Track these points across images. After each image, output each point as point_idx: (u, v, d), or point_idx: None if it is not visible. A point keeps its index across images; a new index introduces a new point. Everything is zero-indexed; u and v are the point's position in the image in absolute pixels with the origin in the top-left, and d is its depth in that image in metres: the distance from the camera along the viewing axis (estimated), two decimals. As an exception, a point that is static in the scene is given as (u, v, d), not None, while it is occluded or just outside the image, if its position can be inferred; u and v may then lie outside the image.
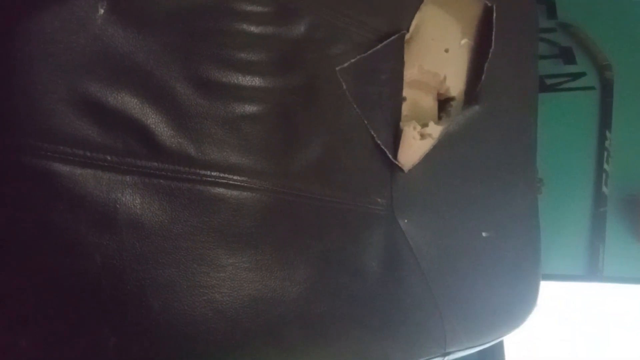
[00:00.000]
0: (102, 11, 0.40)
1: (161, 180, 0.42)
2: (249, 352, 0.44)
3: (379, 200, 0.55)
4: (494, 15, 0.61)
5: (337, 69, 0.51)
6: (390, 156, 0.55)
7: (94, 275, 0.39)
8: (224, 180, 0.44)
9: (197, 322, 0.41)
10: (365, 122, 0.53)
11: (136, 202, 0.40)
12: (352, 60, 0.52)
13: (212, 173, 0.43)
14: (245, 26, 0.45)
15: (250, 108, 0.45)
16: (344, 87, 0.51)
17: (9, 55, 0.38)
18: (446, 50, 0.62)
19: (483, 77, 0.61)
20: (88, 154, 0.39)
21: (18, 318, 0.38)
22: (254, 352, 0.44)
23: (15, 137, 0.37)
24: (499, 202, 0.65)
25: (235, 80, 0.44)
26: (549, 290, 0.80)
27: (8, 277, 0.38)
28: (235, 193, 0.44)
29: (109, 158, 0.40)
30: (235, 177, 0.44)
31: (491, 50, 0.61)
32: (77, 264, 0.39)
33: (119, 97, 0.40)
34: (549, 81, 1.06)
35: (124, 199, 0.40)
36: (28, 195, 0.38)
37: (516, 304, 0.69)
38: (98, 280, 0.39)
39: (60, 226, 0.38)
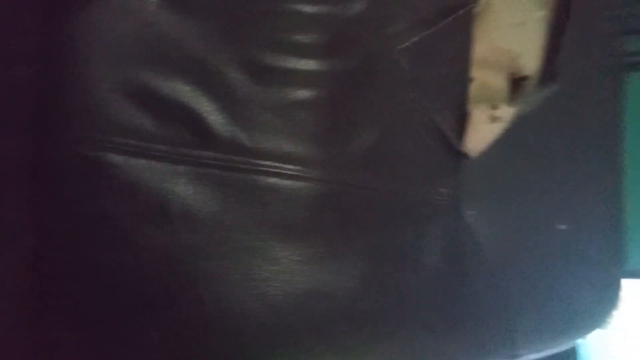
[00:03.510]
0: (154, -3, 0.39)
1: (214, 170, 0.41)
2: (299, 349, 0.43)
3: (442, 190, 0.51)
4: (575, -17, 0.54)
5: (397, 48, 0.47)
6: (455, 142, 0.51)
7: (145, 266, 0.39)
8: (277, 170, 0.42)
9: (248, 316, 0.40)
10: (428, 105, 0.49)
11: (189, 192, 0.40)
12: (414, 39, 0.48)
13: (265, 162, 0.42)
14: (299, 7, 0.43)
15: (303, 93, 0.43)
16: (405, 68, 0.48)
17: (63, 45, 0.38)
18: (520, 25, 0.56)
19: (561, 53, 0.55)
20: (141, 143, 0.39)
21: (67, 311, 0.39)
22: (304, 349, 0.43)
23: (69, 128, 0.38)
24: (578, 192, 0.59)
25: (289, 65, 0.42)
26: (631, 288, 0.73)
27: (60, 269, 0.39)
28: (288, 183, 0.42)
29: (162, 148, 0.40)
30: (288, 167, 0.42)
31: (568, 24, 0.54)
32: (129, 255, 0.39)
33: (172, 85, 0.40)
34: (631, 59, 0.94)
35: (176, 190, 0.40)
36: (82, 186, 0.38)
37: (594, 304, 0.63)
38: (150, 272, 0.39)
39: (114, 217, 0.38)
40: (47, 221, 0.39)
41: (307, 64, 0.43)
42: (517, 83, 0.58)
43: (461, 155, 0.52)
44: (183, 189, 0.40)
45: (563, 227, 0.58)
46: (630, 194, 0.67)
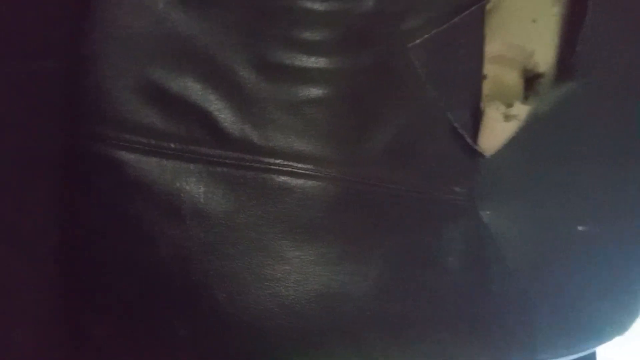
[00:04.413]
0: (164, -5, 0.39)
1: (225, 169, 0.40)
2: (316, 350, 0.42)
3: (457, 189, 0.50)
4: (591, -24, 0.53)
5: (408, 46, 0.46)
6: (469, 140, 0.50)
7: (161, 265, 0.39)
8: (288, 169, 0.41)
9: (263, 316, 0.40)
10: (441, 103, 0.48)
11: (200, 191, 0.40)
12: (426, 36, 0.47)
13: (276, 161, 0.41)
14: (309, 4, 0.42)
15: (315, 91, 0.43)
16: (417, 65, 0.47)
17: (78, 41, 0.38)
18: (534, 21, 0.55)
19: (577, 49, 0.54)
20: (152, 141, 0.39)
21: (96, 305, 0.39)
22: (327, 351, 0.42)
23: (83, 125, 0.38)
24: (600, 192, 0.57)
25: (299, 62, 0.42)
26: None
27: (86, 263, 0.39)
28: (300, 182, 0.42)
29: (172, 146, 0.39)
30: (299, 165, 0.42)
31: (587, 19, 0.53)
32: (145, 253, 0.39)
33: (182, 83, 0.40)
34: None
35: (188, 188, 0.39)
36: (95, 183, 0.38)
37: (618, 309, 0.60)
38: (165, 271, 0.39)
39: (127, 215, 0.38)
40: (71, 216, 0.39)
41: (318, 62, 0.43)
42: (532, 80, 0.57)
43: (476, 154, 0.51)
44: (194, 187, 0.39)
45: (582, 228, 0.56)
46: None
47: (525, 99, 0.56)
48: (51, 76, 0.39)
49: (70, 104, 0.38)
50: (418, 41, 0.47)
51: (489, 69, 0.53)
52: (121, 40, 0.38)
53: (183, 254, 0.39)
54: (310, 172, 0.42)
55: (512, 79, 0.56)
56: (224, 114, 0.41)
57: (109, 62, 0.38)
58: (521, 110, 0.52)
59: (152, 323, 0.39)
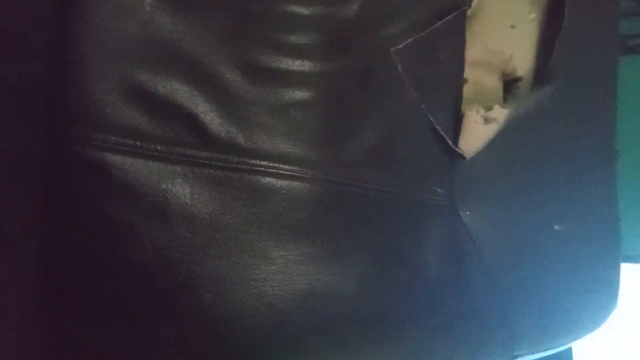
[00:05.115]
0: (150, -2, 0.40)
1: (211, 170, 0.41)
2: (302, 349, 0.42)
3: (438, 190, 0.51)
4: (567, -17, 0.55)
5: (391, 50, 0.47)
6: (450, 142, 0.51)
7: (146, 266, 0.39)
8: (274, 170, 0.42)
9: (249, 316, 0.40)
10: (423, 106, 0.49)
11: (186, 192, 0.40)
12: (409, 40, 0.48)
13: (262, 162, 0.42)
14: (295, 8, 0.43)
15: (300, 94, 0.43)
16: (400, 69, 0.48)
17: (62, 44, 0.38)
18: (512, 26, 0.57)
19: (554, 54, 0.55)
20: (138, 143, 0.39)
21: (78, 308, 0.39)
22: (307, 349, 0.43)
23: (68, 127, 0.38)
24: (573, 191, 0.59)
25: (285, 66, 0.43)
26: (628, 274, 0.72)
27: (70, 267, 0.39)
28: (285, 183, 0.42)
29: (159, 148, 0.40)
30: (285, 167, 0.42)
31: (564, 25, 0.55)
32: (130, 255, 0.39)
33: (169, 86, 0.40)
34: (630, 42, 0.95)
35: (174, 189, 0.40)
36: (80, 185, 0.38)
37: (592, 305, 0.62)
38: (150, 272, 0.39)
39: (113, 216, 0.38)
40: (57, 218, 0.39)
41: (303, 65, 0.43)
42: (510, 84, 0.59)
43: (457, 156, 0.52)
44: (180, 188, 0.40)
45: (558, 227, 0.58)
46: (629, 179, 0.66)
47: (505, 102, 0.57)
48: (36, 79, 0.39)
49: (55, 107, 0.38)
50: (401, 45, 0.48)
51: (469, 72, 0.55)
52: (107, 43, 0.38)
53: (169, 255, 0.39)
54: (296, 174, 0.43)
55: (492, 82, 0.57)
56: (210, 116, 0.41)
57: (95, 64, 0.38)
58: (500, 114, 0.54)
59: (137, 324, 0.39)
